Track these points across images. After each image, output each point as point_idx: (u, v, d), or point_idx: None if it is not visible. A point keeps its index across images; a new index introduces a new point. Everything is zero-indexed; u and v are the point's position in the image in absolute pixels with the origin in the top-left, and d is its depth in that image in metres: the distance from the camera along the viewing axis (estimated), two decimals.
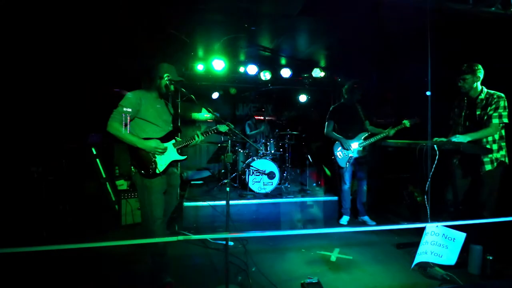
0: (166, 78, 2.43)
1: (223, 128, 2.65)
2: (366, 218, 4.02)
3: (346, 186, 4.00)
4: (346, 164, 3.92)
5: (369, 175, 4.06)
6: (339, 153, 4.00)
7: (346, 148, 3.89)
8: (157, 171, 2.34)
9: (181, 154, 2.52)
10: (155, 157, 2.35)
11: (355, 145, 3.89)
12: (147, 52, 4.42)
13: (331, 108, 4.14)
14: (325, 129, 4.10)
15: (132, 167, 2.36)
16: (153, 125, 2.39)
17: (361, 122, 3.98)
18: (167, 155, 2.43)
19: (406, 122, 3.56)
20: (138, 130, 2.35)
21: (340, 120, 4.04)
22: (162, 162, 2.38)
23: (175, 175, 2.59)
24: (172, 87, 2.45)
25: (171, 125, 2.58)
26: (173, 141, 2.49)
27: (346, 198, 4.03)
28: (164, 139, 2.44)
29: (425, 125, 2.83)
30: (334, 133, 4.02)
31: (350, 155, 3.90)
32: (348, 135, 3.94)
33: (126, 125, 2.29)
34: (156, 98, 2.49)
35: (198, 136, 2.50)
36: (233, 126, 2.51)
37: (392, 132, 3.64)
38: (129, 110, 2.29)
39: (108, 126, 2.25)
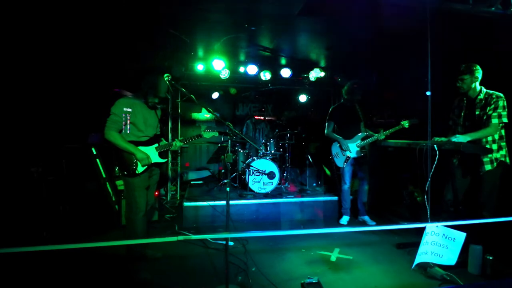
0: (152, 89, 2.62)
1: (207, 134, 2.91)
2: (366, 218, 4.03)
3: (346, 186, 4.00)
4: (344, 164, 3.93)
5: (369, 175, 4.06)
6: (336, 153, 4.01)
7: (344, 148, 3.90)
8: (137, 172, 2.56)
9: (162, 157, 2.74)
10: (136, 159, 2.55)
11: (353, 146, 3.90)
12: (147, 52, 4.42)
13: (330, 109, 4.14)
14: (326, 130, 4.11)
15: (116, 168, 2.53)
16: (138, 130, 2.58)
17: (360, 122, 3.99)
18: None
19: (405, 123, 3.54)
20: (122, 132, 2.54)
21: (339, 120, 4.05)
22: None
23: (156, 173, 2.84)
24: (156, 100, 2.68)
25: (157, 129, 2.77)
26: (156, 145, 2.72)
27: (346, 198, 4.04)
28: (148, 143, 2.65)
29: (425, 125, 2.83)
30: (334, 133, 4.04)
31: (347, 155, 3.91)
32: (347, 135, 3.95)
33: (121, 131, 2.53)
34: (144, 104, 2.66)
35: (176, 144, 2.77)
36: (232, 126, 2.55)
37: (382, 136, 3.65)
38: (121, 116, 2.49)
39: (106, 134, 2.49)
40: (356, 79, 4.03)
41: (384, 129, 3.83)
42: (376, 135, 3.71)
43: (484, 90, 2.76)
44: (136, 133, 2.57)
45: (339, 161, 3.98)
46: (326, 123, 4.12)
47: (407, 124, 3.53)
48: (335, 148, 4.04)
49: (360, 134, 3.92)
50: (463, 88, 2.81)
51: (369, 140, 3.76)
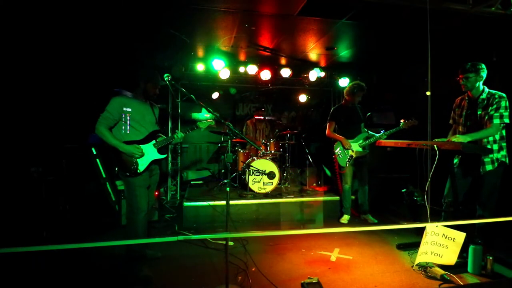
0: (150, 83, 2.65)
1: (203, 124, 2.89)
2: (367, 216, 4.05)
3: (347, 185, 4.02)
4: (347, 163, 3.94)
5: (369, 175, 4.07)
6: (339, 153, 4.01)
7: (347, 148, 3.91)
8: (139, 171, 2.57)
9: (161, 153, 2.73)
10: (136, 158, 2.55)
11: (355, 145, 3.91)
12: (148, 52, 4.42)
13: (332, 110, 4.16)
14: (327, 130, 4.13)
15: (116, 168, 2.58)
16: (135, 129, 2.59)
17: (361, 123, 4.02)
18: (148, 156, 2.64)
19: (403, 124, 3.58)
20: (122, 132, 2.55)
21: (340, 121, 4.06)
22: (143, 162, 2.61)
23: (156, 173, 2.86)
24: (157, 90, 2.70)
25: (155, 125, 2.76)
26: (154, 141, 2.70)
27: (347, 198, 4.05)
28: (145, 140, 2.65)
29: (425, 125, 2.83)
30: (335, 134, 4.05)
31: (350, 155, 3.91)
32: (348, 135, 3.96)
33: (111, 129, 2.53)
34: (141, 101, 2.68)
35: (178, 135, 2.77)
36: (232, 126, 2.55)
37: (383, 137, 3.70)
38: (114, 114, 2.51)
39: (96, 130, 2.49)
40: (357, 80, 4.03)
41: (385, 129, 3.84)
42: (378, 135, 3.75)
43: (486, 89, 2.74)
44: (135, 131, 2.58)
45: (342, 161, 3.99)
46: (327, 123, 4.13)
47: (406, 126, 3.56)
48: (337, 148, 4.05)
49: (361, 134, 3.94)
50: (467, 87, 2.77)
51: (371, 140, 3.79)
